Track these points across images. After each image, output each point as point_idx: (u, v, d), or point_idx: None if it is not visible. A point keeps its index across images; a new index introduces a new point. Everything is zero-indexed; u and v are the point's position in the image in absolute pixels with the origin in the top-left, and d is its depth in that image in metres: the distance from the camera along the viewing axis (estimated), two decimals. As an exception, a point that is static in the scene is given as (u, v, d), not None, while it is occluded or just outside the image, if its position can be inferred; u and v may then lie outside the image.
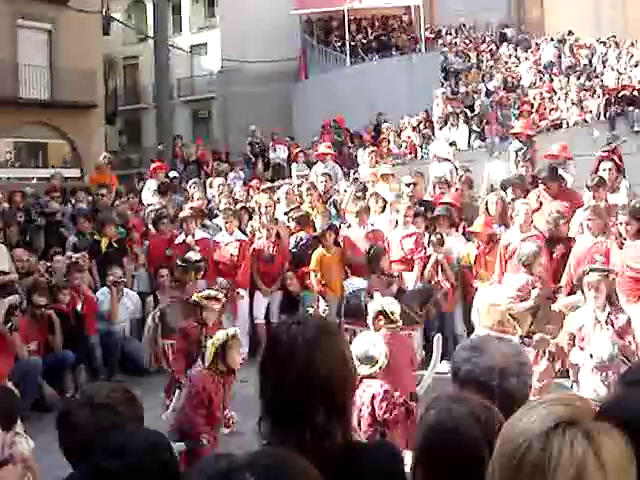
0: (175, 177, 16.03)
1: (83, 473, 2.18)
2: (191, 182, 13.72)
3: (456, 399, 2.23)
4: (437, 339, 6.79)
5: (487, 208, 9.81)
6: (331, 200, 12.15)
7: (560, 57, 26.38)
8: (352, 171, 13.32)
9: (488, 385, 2.47)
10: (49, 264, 10.24)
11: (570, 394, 1.59)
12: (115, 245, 11.11)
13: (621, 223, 8.00)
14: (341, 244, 10.48)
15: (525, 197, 9.93)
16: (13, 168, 28.07)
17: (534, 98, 21.23)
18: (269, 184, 13.27)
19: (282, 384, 2.18)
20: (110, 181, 14.14)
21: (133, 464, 2.02)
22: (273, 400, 2.22)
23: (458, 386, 2.57)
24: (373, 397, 5.23)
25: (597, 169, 10.72)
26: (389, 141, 18.62)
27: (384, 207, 10.86)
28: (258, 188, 13.03)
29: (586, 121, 19.67)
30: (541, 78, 24.23)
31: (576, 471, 1.40)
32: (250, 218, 11.83)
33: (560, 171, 10.42)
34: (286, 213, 11.45)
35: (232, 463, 1.53)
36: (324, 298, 10.20)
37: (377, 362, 5.25)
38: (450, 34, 30.61)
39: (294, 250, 10.92)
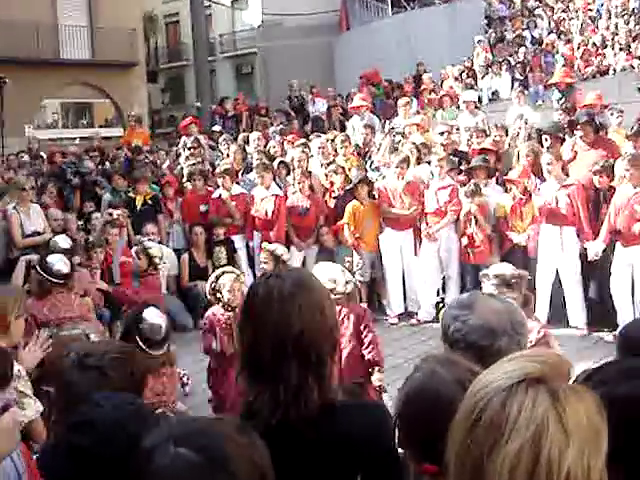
0: (219, 131, 15.92)
1: (53, 448, 2.17)
2: (221, 139, 13.61)
3: (443, 362, 2.10)
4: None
5: (519, 159, 9.60)
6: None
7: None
8: (387, 122, 13.06)
9: (478, 345, 2.35)
10: (80, 223, 10.29)
11: (548, 351, 1.47)
12: (150, 202, 11.15)
13: (661, 171, 7.76)
14: (376, 197, 10.31)
15: (562, 145, 9.68)
16: (61, 129, 28.41)
17: (579, 45, 20.56)
18: (303, 140, 13.03)
19: (257, 339, 2.12)
20: (143, 139, 14.16)
21: (102, 438, 1.99)
22: (249, 355, 2.16)
23: (448, 346, 2.45)
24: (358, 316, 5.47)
25: (641, 117, 10.41)
26: (430, 91, 18.25)
27: (419, 158, 10.61)
28: (292, 142, 12.84)
29: (633, 67, 19.01)
30: (590, 23, 23.44)
31: (534, 431, 1.29)
32: (288, 173, 11.72)
33: (599, 120, 10.13)
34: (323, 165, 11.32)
35: (156, 437, 1.51)
36: (358, 252, 10.10)
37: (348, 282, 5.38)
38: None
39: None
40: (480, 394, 1.38)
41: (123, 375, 2.73)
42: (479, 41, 20.94)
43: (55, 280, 6.63)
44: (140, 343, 4.95)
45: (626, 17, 21.97)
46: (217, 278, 6.24)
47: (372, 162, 11.52)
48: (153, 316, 5.20)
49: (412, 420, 2.01)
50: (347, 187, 10.42)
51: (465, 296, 2.62)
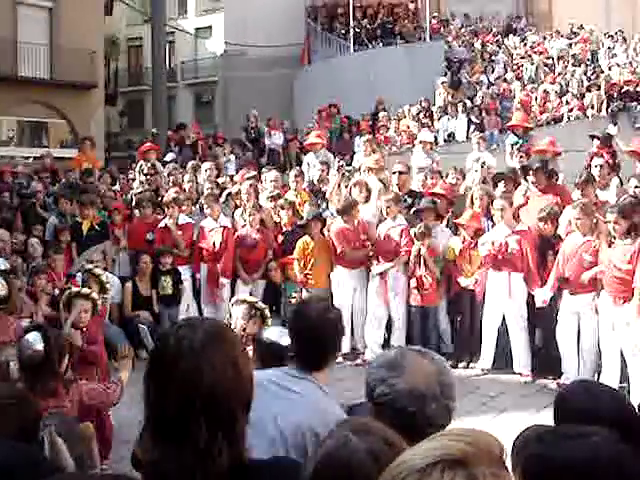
0: (173, 160, 15.75)
1: None
2: (171, 167, 13.41)
3: (358, 430, 1.96)
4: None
5: (472, 202, 9.56)
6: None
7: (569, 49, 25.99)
8: (337, 159, 12.95)
9: (406, 411, 2.22)
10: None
11: (478, 431, 1.34)
12: (97, 228, 10.92)
13: (610, 222, 7.77)
14: (326, 235, 10.18)
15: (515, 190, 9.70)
16: (15, 147, 27.99)
17: (534, 91, 20.86)
18: (253, 172, 12.91)
19: (163, 392, 1.94)
20: (94, 162, 13.93)
21: None
22: (153, 411, 1.98)
23: (373, 408, 2.32)
24: None
25: (590, 165, 10.50)
26: (387, 129, 18.35)
27: (368, 197, 10.50)
28: (242, 176, 12.72)
29: (586, 115, 19.34)
30: (546, 71, 23.84)
31: None
32: (237, 206, 11.59)
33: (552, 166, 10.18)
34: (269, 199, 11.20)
35: None
36: (307, 289, 9.96)
37: None
38: (453, 22, 30.25)
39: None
40: (394, 471, 1.27)
41: (13, 419, 2.67)
42: (442, 82, 21.13)
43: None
44: None
45: (583, 66, 22.42)
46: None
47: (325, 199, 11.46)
48: None
49: None
50: (299, 222, 10.31)
51: (392, 354, 2.43)
